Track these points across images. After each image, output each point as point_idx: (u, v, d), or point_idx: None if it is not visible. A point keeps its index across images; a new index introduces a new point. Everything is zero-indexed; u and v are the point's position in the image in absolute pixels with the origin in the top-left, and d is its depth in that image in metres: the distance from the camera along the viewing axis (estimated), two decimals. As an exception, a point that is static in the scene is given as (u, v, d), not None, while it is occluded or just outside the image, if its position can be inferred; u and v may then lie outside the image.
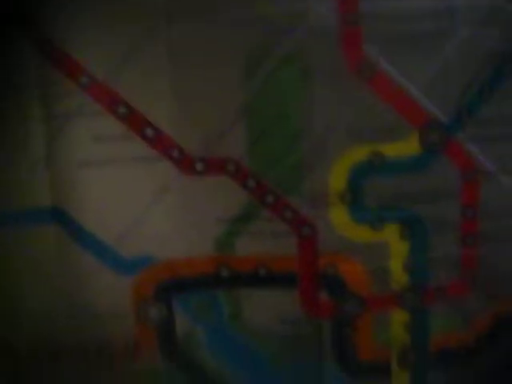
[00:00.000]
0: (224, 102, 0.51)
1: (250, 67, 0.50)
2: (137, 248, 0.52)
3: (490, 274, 0.57)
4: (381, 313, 0.55)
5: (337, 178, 0.52)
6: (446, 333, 0.57)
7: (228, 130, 0.51)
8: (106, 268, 0.52)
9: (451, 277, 0.56)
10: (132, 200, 0.52)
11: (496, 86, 0.53)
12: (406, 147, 0.52)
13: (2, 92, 0.51)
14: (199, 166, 0.52)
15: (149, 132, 0.51)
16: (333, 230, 0.53)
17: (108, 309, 0.53)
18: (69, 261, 0.53)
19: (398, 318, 0.55)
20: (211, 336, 0.55)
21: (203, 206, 0.52)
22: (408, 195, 0.53)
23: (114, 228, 0.52)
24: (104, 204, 0.52)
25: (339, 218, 0.52)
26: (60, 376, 0.55)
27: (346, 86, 0.50)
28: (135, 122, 0.51)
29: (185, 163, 0.51)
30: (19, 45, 0.50)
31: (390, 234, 0.54)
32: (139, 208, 0.52)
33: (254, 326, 0.55)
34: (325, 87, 0.50)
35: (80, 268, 0.53)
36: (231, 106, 0.51)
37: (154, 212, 0.52)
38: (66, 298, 0.53)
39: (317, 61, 0.50)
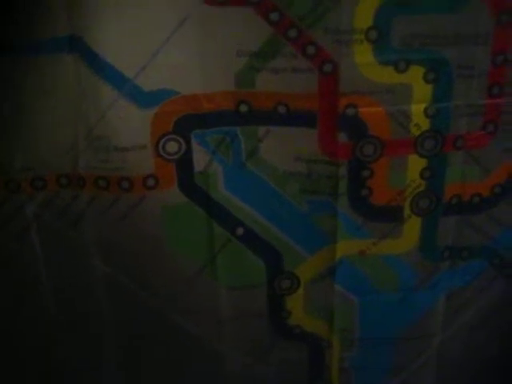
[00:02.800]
0: None
1: None
2: (156, 81, 0.52)
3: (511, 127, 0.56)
4: (398, 157, 0.55)
5: (363, 13, 0.50)
6: (461, 181, 0.57)
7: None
8: (125, 100, 0.52)
9: (473, 126, 0.55)
10: (151, 30, 0.50)
11: None
12: None
13: None
14: (221, -5, 0.50)
15: (169, -42, 0.48)
16: (356, 69, 0.51)
17: (127, 141, 0.53)
18: (88, 92, 0.52)
19: (416, 163, 0.55)
20: (228, 173, 0.56)
21: (224, 38, 0.51)
22: (436, 37, 0.51)
23: (133, 59, 0.51)
24: (123, 34, 0.50)
25: (363, 56, 0.51)
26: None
27: None
28: None
29: (206, -9, 0.49)
30: None
31: (414, 77, 0.52)
32: (159, 39, 0.51)
33: (270, 163, 0.56)
34: None
35: (99, 99, 0.52)
36: None
37: (173, 43, 0.51)
38: (86, 130, 0.53)
39: None
